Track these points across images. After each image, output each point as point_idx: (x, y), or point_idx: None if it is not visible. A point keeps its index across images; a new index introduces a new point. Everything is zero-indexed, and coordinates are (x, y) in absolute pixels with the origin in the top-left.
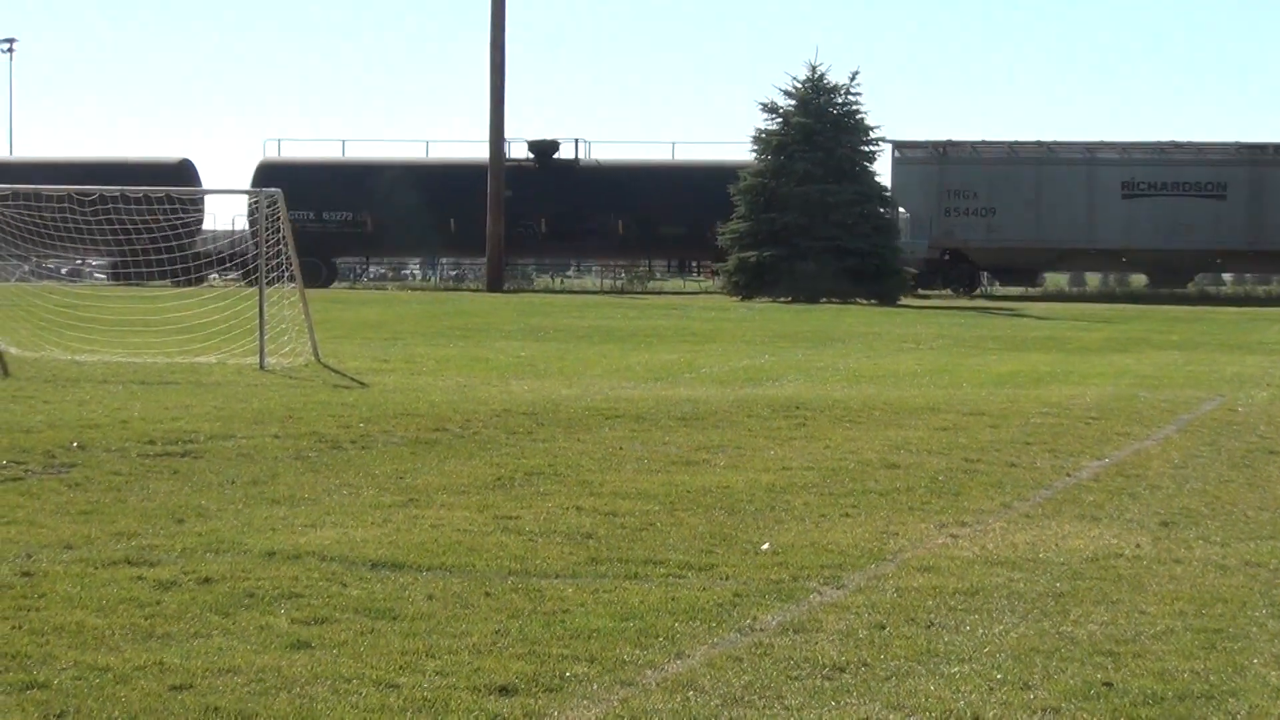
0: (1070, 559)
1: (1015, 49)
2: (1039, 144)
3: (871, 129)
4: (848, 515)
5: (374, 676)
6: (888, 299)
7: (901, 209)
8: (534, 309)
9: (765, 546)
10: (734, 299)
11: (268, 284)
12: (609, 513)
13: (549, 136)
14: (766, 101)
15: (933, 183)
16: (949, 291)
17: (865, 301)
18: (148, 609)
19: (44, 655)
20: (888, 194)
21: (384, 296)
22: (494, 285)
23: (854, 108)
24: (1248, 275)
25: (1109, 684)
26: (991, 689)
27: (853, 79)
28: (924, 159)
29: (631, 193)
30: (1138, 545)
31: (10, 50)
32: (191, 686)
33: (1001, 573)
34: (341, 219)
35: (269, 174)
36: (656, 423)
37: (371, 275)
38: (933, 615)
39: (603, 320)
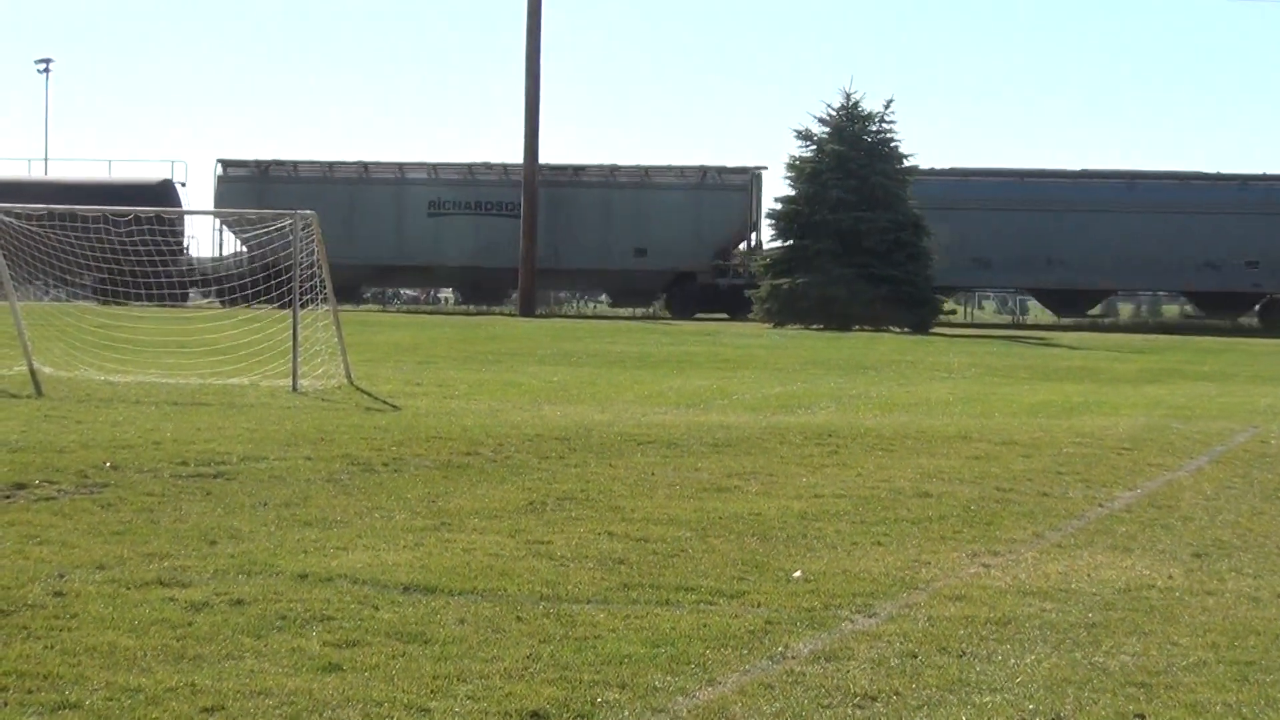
0: (1102, 590)
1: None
2: (358, 164)
3: (906, 156)
4: (880, 543)
5: (405, 700)
6: (920, 327)
7: (225, 228)
8: (566, 334)
9: (797, 574)
10: (766, 325)
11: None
12: (640, 538)
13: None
14: (800, 128)
15: (254, 200)
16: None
17: (898, 329)
18: (180, 630)
19: (76, 676)
20: (922, 222)
21: (417, 320)
22: (526, 310)
23: (888, 135)
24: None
25: (1141, 716)
26: (1024, 719)
27: (887, 106)
28: (247, 177)
29: None
30: (1170, 576)
31: (47, 71)
32: (223, 708)
33: (1034, 603)
34: None
35: None
36: (688, 449)
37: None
38: (965, 645)
39: (635, 346)
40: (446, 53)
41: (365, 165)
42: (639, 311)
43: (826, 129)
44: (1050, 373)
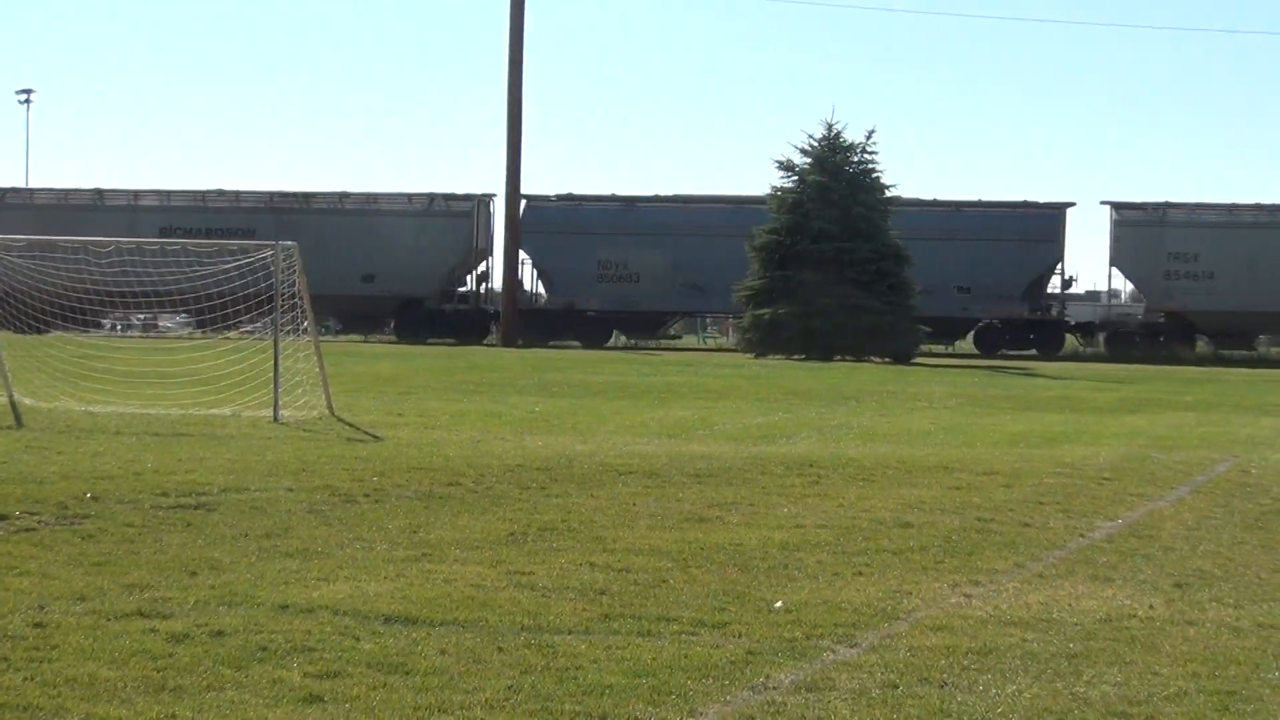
0: (1083, 619)
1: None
2: (93, 190)
3: (888, 187)
4: (861, 574)
5: None
6: (902, 357)
7: None
8: (548, 364)
9: (778, 604)
10: (748, 356)
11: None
12: (622, 569)
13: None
14: (782, 159)
15: None
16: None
17: (879, 360)
18: (160, 662)
19: (56, 707)
20: (904, 252)
21: (398, 350)
22: (508, 340)
23: (870, 166)
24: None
25: None
26: None
27: (869, 137)
28: None
29: None
30: (1151, 606)
31: (28, 101)
32: None
33: (1015, 633)
34: None
35: None
36: (670, 479)
37: None
38: (946, 675)
39: (617, 376)
40: (428, 77)
41: (100, 192)
42: (371, 337)
43: (808, 160)
44: (1031, 403)
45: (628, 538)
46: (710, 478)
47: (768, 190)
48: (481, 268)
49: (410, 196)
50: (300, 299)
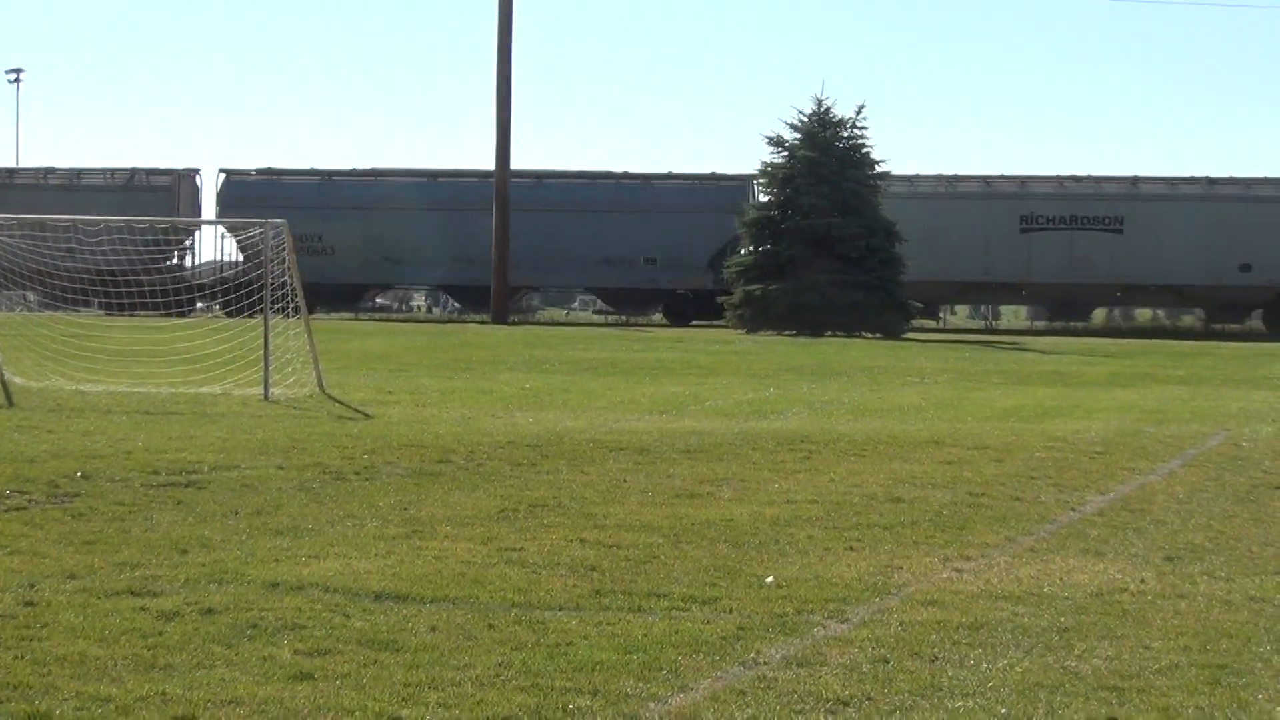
0: (1075, 594)
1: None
2: None
3: (878, 163)
4: (852, 549)
5: (376, 708)
6: (892, 332)
7: None
8: (539, 341)
9: (769, 579)
10: (739, 331)
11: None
12: (612, 545)
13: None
14: (772, 135)
15: None
16: None
17: (870, 335)
18: (150, 639)
19: (46, 685)
20: (894, 227)
21: (389, 328)
22: (499, 317)
23: (860, 141)
24: None
25: None
26: None
27: (859, 113)
28: None
29: None
30: (1142, 580)
31: (17, 80)
32: (194, 718)
33: (1006, 607)
34: None
35: None
36: (661, 455)
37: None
38: (937, 649)
39: (607, 353)
40: (418, 57)
41: None
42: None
43: (798, 135)
44: (1022, 377)
45: (618, 514)
46: (701, 453)
47: (758, 166)
48: (187, 242)
49: (112, 172)
50: (290, 276)
